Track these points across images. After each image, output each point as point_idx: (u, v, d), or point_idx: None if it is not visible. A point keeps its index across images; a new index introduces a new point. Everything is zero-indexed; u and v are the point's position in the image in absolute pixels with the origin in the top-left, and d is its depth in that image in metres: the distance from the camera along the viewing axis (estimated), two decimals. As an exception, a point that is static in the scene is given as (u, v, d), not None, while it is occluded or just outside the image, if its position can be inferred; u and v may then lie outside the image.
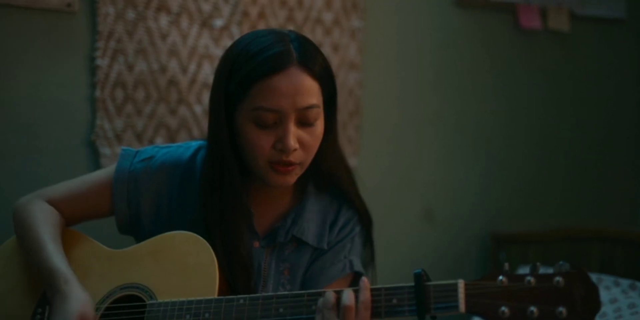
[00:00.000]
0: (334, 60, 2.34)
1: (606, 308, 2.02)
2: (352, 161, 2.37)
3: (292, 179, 1.45)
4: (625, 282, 2.07)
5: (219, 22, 2.16)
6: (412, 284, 1.25)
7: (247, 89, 1.40)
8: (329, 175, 1.56)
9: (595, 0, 2.80)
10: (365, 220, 1.60)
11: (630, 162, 2.94)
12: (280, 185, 1.46)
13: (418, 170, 2.55)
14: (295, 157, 1.42)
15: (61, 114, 2.01)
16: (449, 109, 2.60)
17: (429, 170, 2.57)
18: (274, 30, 1.47)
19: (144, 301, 1.42)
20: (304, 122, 1.42)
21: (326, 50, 2.33)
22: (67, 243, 1.53)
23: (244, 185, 1.50)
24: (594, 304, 1.16)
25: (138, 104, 2.08)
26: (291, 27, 2.27)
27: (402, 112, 2.52)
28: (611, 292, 2.05)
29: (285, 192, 1.57)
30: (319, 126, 1.45)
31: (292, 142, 1.39)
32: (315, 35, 2.31)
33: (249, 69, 1.40)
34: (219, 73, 1.46)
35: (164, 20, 2.09)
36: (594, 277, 2.11)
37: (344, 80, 2.37)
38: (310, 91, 1.40)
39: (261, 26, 2.22)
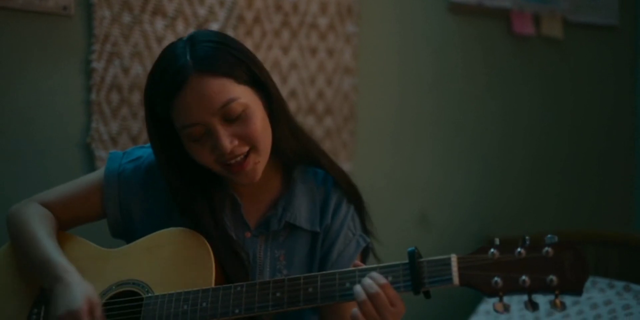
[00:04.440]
0: (328, 65, 2.36)
1: (601, 310, 2.02)
2: (347, 166, 2.38)
3: (255, 171, 1.45)
4: (619, 284, 2.07)
5: (214, 26, 2.17)
6: (407, 261, 1.28)
7: (169, 117, 1.43)
8: (298, 154, 1.55)
9: (588, 7, 2.83)
10: (353, 198, 1.59)
11: (624, 166, 2.96)
12: (249, 181, 1.46)
13: (413, 175, 2.56)
14: (239, 150, 1.42)
15: (57, 116, 2.01)
16: (444, 114, 2.61)
17: (424, 175, 2.58)
18: (170, 45, 1.47)
19: (141, 296, 1.43)
20: (229, 119, 1.41)
21: (321, 55, 2.34)
22: (60, 244, 1.52)
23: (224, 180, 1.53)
24: (583, 272, 1.19)
25: (133, 107, 2.08)
26: (286, 32, 2.29)
27: (396, 117, 2.53)
28: (606, 294, 2.06)
29: (272, 180, 1.57)
30: (252, 113, 1.42)
31: (226, 144, 1.39)
32: (310, 40, 2.32)
33: (157, 98, 1.43)
34: (146, 107, 1.49)
35: (159, 24, 2.10)
36: (588, 279, 2.12)
37: (339, 84, 2.38)
38: (221, 90, 1.40)
39: (257, 30, 2.23)
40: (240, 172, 1.44)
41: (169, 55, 1.44)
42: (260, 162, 1.45)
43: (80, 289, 1.38)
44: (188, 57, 1.40)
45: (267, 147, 1.46)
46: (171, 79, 1.40)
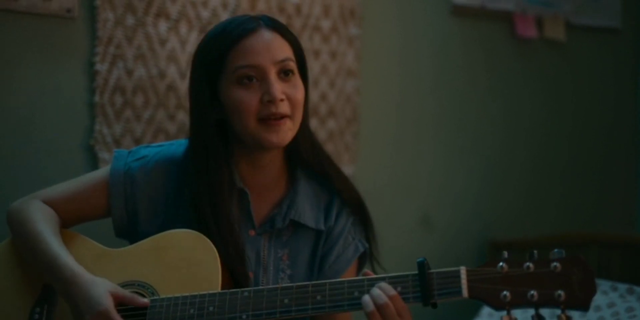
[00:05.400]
0: (331, 67, 2.36)
1: (604, 312, 2.02)
2: (349, 168, 2.38)
3: (286, 135, 1.49)
4: (622, 287, 2.07)
5: (217, 29, 2.18)
6: (416, 272, 1.28)
7: (226, 57, 1.48)
8: (309, 156, 1.58)
9: (591, 9, 2.84)
10: (356, 205, 1.60)
11: (626, 168, 2.96)
12: (278, 143, 1.48)
13: (415, 176, 2.56)
14: (283, 108, 1.47)
15: (60, 118, 2.01)
16: (446, 115, 2.61)
17: (426, 177, 2.58)
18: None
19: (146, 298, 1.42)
20: (285, 73, 1.49)
21: (324, 57, 2.35)
22: (64, 242, 1.51)
23: (234, 173, 1.54)
24: (591, 289, 1.20)
25: (137, 109, 2.09)
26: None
27: (399, 118, 2.53)
28: (609, 296, 2.06)
29: (279, 180, 1.58)
30: (299, 80, 1.51)
31: (278, 92, 1.45)
32: (313, 42, 2.33)
33: (223, 39, 1.49)
34: (198, 57, 1.53)
35: (163, 26, 2.11)
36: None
37: (342, 87, 2.39)
38: (283, 47, 1.50)
39: (259, 33, 2.23)
40: (275, 129, 1.47)
41: (237, 17, 1.55)
42: (291, 130, 1.50)
43: (96, 287, 1.38)
44: (260, 19, 1.51)
45: (298, 123, 1.52)
46: (241, 25, 1.49)
